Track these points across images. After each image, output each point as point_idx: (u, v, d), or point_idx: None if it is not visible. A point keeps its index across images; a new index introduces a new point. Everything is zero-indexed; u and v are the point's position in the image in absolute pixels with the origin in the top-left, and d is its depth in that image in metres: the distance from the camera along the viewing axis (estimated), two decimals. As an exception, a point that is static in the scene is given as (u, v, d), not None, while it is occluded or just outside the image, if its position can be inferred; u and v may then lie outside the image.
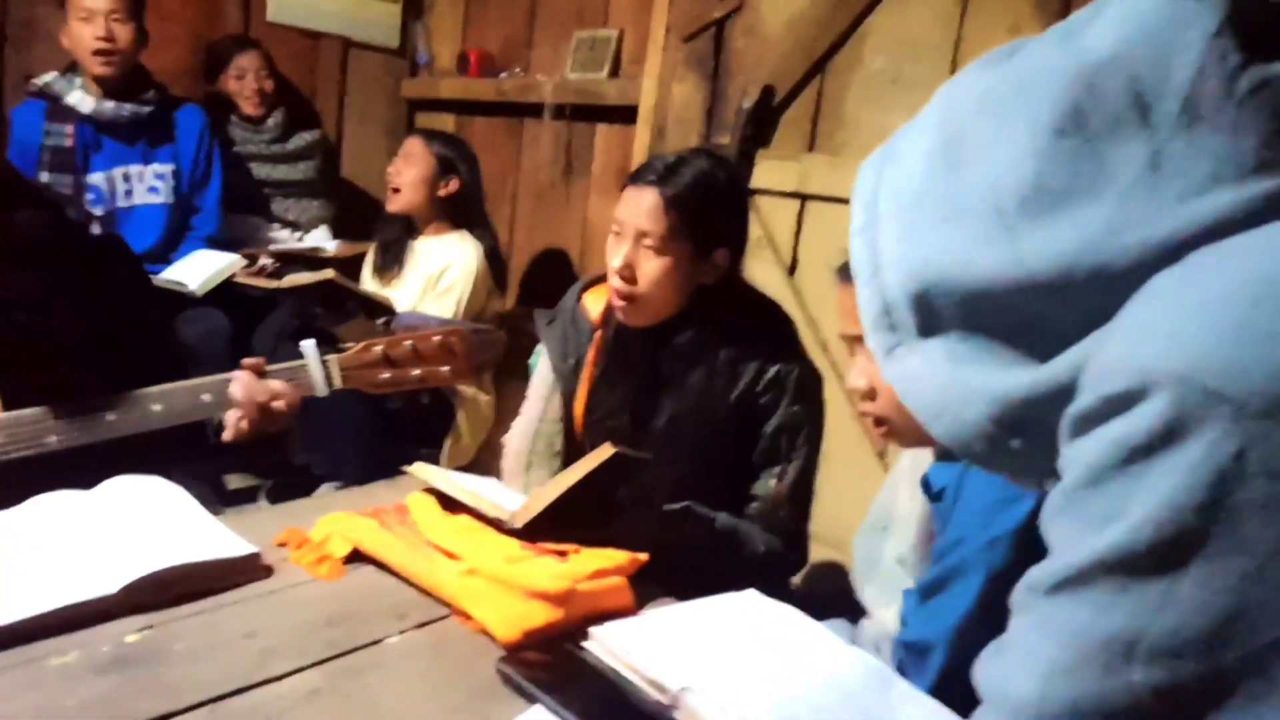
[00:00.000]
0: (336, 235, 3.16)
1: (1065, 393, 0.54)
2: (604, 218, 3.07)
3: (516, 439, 1.66)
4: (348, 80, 3.57)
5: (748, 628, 1.00)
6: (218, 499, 2.07)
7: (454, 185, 2.64)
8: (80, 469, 1.16)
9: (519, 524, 1.16)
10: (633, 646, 0.93)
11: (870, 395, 1.09)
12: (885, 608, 1.17)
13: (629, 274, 1.40)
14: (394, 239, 2.68)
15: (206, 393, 1.21)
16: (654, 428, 1.45)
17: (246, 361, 1.22)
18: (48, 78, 2.59)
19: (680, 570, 1.11)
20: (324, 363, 1.24)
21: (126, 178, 2.66)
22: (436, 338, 1.29)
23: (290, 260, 2.85)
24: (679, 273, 1.41)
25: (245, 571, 1.04)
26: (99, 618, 0.93)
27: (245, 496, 2.66)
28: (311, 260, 2.90)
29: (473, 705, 0.87)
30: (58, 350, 1.26)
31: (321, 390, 1.23)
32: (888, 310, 0.62)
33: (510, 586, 0.99)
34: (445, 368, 1.30)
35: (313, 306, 2.48)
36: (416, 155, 2.63)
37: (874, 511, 1.30)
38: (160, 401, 1.19)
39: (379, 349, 1.26)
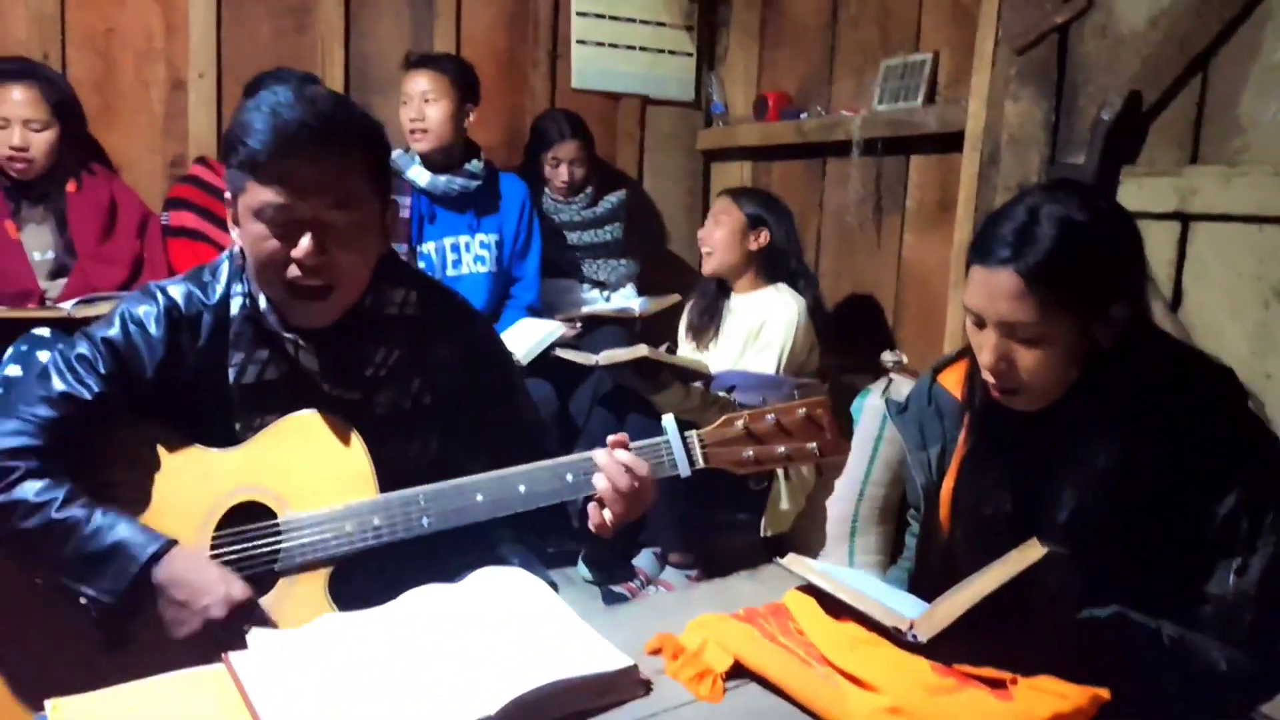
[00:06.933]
0: (641, 291, 3.15)
1: None
2: (920, 256, 2.82)
3: (841, 503, 1.49)
4: (646, 137, 3.59)
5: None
6: (540, 561, 2.04)
7: (764, 238, 2.59)
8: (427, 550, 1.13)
9: (924, 637, 0.96)
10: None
11: None
12: None
13: (1004, 369, 1.17)
14: (709, 298, 2.65)
15: (569, 473, 1.13)
16: (1052, 519, 1.20)
17: (612, 438, 1.14)
18: (391, 154, 2.77)
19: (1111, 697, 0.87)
20: (684, 440, 1.14)
21: (454, 247, 2.78)
22: (801, 410, 1.16)
23: (601, 322, 2.87)
24: (1065, 353, 1.15)
25: (623, 688, 0.92)
26: (479, 743, 0.84)
27: (565, 559, 2.64)
28: (620, 321, 2.91)
29: None
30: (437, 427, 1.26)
31: (685, 470, 1.15)
32: None
33: (947, 733, 0.79)
34: (812, 444, 1.16)
35: (628, 377, 2.46)
36: (725, 213, 2.61)
37: None
38: (524, 482, 1.13)
39: (740, 424, 1.15)
